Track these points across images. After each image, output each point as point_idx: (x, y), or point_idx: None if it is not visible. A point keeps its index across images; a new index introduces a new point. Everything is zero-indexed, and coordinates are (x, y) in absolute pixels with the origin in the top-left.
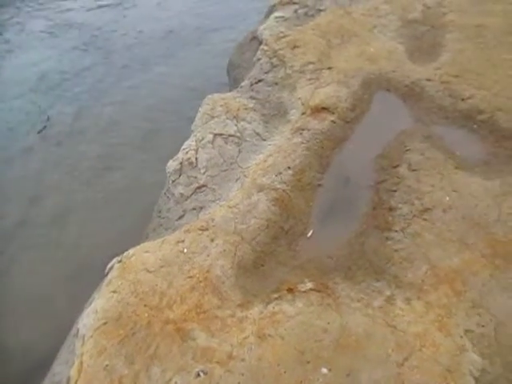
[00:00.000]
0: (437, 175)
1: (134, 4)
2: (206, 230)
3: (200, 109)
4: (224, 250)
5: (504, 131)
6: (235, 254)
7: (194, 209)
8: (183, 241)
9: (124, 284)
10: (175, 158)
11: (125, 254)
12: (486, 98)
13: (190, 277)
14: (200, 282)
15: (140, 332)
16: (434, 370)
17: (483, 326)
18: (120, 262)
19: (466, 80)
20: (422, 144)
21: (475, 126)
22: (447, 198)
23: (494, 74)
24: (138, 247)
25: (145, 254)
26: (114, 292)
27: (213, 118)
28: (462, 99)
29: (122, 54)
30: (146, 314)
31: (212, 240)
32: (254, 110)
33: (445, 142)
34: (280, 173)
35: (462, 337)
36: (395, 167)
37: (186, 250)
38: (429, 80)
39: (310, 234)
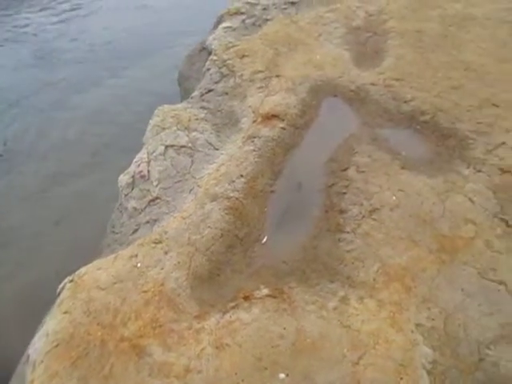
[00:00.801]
0: (384, 176)
1: (86, 17)
2: (160, 242)
3: (150, 121)
4: (178, 262)
5: (445, 130)
6: (190, 265)
7: (148, 222)
8: (136, 255)
9: (76, 304)
10: (126, 171)
11: (77, 272)
12: (428, 100)
13: (145, 291)
14: (155, 295)
15: (93, 352)
16: (387, 366)
17: (433, 319)
18: (72, 281)
19: (407, 83)
20: (368, 146)
21: (418, 127)
22: (394, 198)
23: (433, 77)
24: (91, 265)
25: (97, 272)
26: (66, 313)
27: (164, 129)
28: (405, 101)
29: (72, 68)
30: (100, 333)
31: (166, 252)
32: (206, 120)
33: (390, 143)
34: (233, 181)
35: (413, 331)
36: (344, 170)
37: (139, 265)
38: (373, 84)
39: (264, 241)
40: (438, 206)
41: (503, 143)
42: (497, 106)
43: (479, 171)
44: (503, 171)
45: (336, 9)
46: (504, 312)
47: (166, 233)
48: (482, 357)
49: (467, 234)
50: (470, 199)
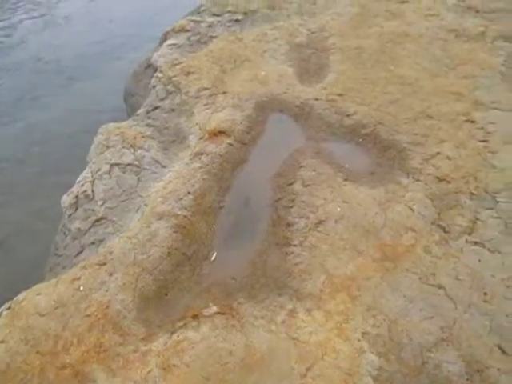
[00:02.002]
0: (328, 188)
1: (31, 31)
2: (104, 264)
3: (94, 139)
4: (124, 284)
5: (385, 142)
6: (136, 286)
7: (92, 243)
8: (79, 278)
9: (13, 332)
10: (70, 191)
11: (15, 298)
12: (368, 113)
13: (88, 315)
14: (99, 319)
15: (32, 382)
16: (334, 375)
17: (378, 326)
18: (9, 308)
19: (349, 98)
20: (313, 160)
21: (360, 140)
22: (338, 209)
23: (372, 91)
24: (30, 290)
25: (37, 297)
26: (2, 342)
27: (108, 147)
28: (347, 115)
29: (13, 83)
30: (39, 362)
31: (110, 274)
32: (152, 138)
33: (334, 156)
34: (180, 198)
35: (359, 340)
36: (290, 184)
37: (82, 288)
38: (317, 99)
39: (213, 258)
40: (379, 216)
41: (438, 153)
42: (431, 118)
43: (417, 180)
44: (439, 179)
45: (280, 26)
46: (443, 315)
47: (110, 253)
48: (425, 360)
49: (408, 241)
50: (410, 208)
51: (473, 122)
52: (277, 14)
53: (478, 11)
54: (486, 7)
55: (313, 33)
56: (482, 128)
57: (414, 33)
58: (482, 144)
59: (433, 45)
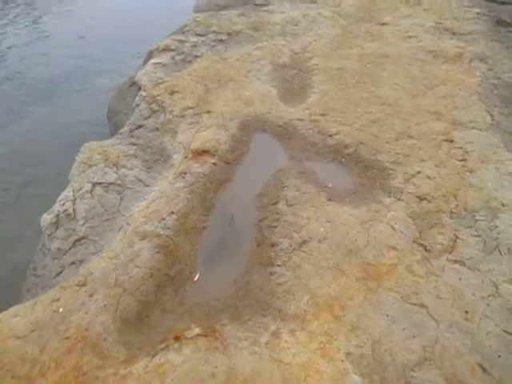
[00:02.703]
0: (311, 208)
1: (16, 46)
2: (84, 285)
3: (76, 158)
4: (104, 305)
5: (367, 162)
6: (117, 307)
7: (73, 263)
8: (58, 299)
9: None
10: (50, 210)
11: None
12: (350, 133)
13: (67, 338)
14: (78, 342)
15: None
16: None
17: (361, 346)
18: None
19: (332, 118)
20: (297, 180)
21: (343, 159)
22: (322, 229)
23: (354, 111)
24: (6, 312)
25: (13, 320)
26: None
27: (90, 166)
28: (330, 135)
29: None
30: None
31: (91, 295)
32: (135, 157)
33: (317, 176)
34: (163, 218)
35: (343, 360)
36: (274, 204)
37: (61, 310)
38: (300, 120)
39: (196, 278)
40: (362, 235)
41: (419, 172)
42: (412, 138)
43: (399, 199)
44: (420, 199)
45: (263, 47)
46: (426, 334)
47: (91, 274)
48: (408, 380)
49: (390, 260)
50: (392, 227)
51: (452, 141)
52: (260, 34)
53: (454, 33)
54: (463, 29)
55: (296, 53)
56: (461, 147)
57: (393, 54)
58: (460, 163)
59: (412, 65)
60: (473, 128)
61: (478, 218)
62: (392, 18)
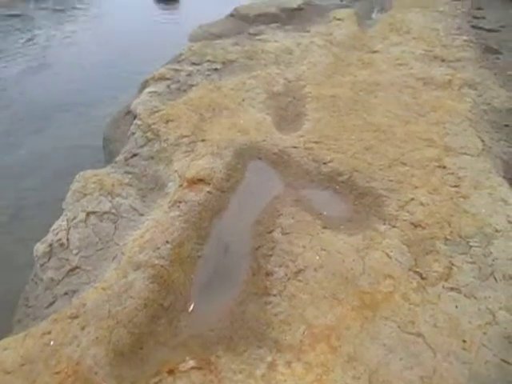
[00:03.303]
0: (307, 236)
1: (12, 74)
2: (77, 317)
3: (71, 186)
4: (97, 338)
5: (361, 189)
6: (110, 340)
7: (66, 294)
8: (50, 332)
9: None
10: (43, 239)
11: None
12: (344, 161)
13: (57, 372)
14: (69, 376)
15: None
16: None
17: (358, 378)
18: None
19: (325, 145)
20: (292, 208)
21: (337, 187)
22: (317, 257)
23: (348, 139)
24: None
25: (3, 353)
26: None
27: (85, 195)
28: (324, 163)
29: None
30: None
31: (83, 328)
32: (130, 185)
33: (312, 203)
34: (158, 248)
35: None
36: (270, 232)
37: (52, 343)
38: (294, 147)
39: (191, 309)
40: (358, 263)
41: (412, 199)
42: (405, 165)
43: (394, 227)
44: (415, 226)
45: (257, 75)
46: (423, 364)
47: (84, 306)
48: None
49: (386, 288)
50: (388, 254)
51: (444, 167)
52: (255, 63)
53: (443, 60)
54: (451, 56)
55: (290, 82)
56: (454, 173)
57: (385, 81)
58: (453, 189)
59: (403, 93)
60: (465, 154)
61: (472, 244)
62: (382, 46)
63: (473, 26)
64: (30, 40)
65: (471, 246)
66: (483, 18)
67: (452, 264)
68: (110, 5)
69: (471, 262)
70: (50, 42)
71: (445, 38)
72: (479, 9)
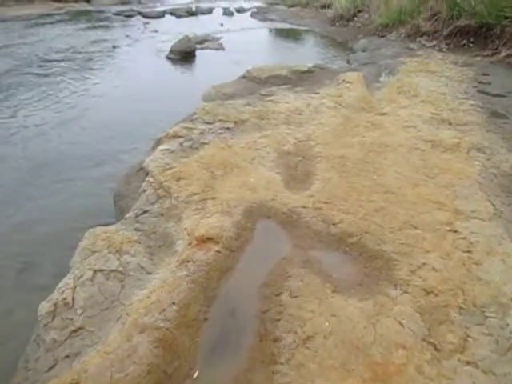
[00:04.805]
0: (316, 301)
1: (20, 131)
2: (78, 383)
3: (80, 243)
4: None
5: (372, 252)
6: None
7: (67, 356)
8: None
9: None
10: (49, 298)
11: None
12: (354, 222)
13: None
14: None
15: None
16: None
17: None
18: None
19: (335, 206)
20: (301, 270)
21: (347, 249)
22: (327, 324)
23: (357, 200)
24: None
25: None
26: None
27: (93, 252)
28: (334, 224)
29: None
30: None
31: None
32: (139, 243)
33: (322, 265)
34: (164, 309)
35: None
36: (278, 295)
37: None
38: (304, 207)
39: (195, 376)
40: (369, 331)
41: (424, 264)
42: (416, 228)
43: (405, 292)
44: (427, 292)
45: (268, 135)
46: None
47: (85, 371)
48: None
49: (399, 359)
50: (400, 322)
51: (455, 231)
52: (265, 123)
53: (451, 124)
54: (459, 120)
55: (300, 141)
56: (465, 238)
57: (394, 143)
58: (466, 255)
59: (412, 154)
60: (475, 218)
61: (487, 314)
62: (391, 109)
63: (479, 91)
64: (42, 93)
65: (487, 317)
66: (489, 83)
67: (467, 335)
68: (125, 62)
69: (488, 334)
70: (61, 97)
71: (452, 102)
72: (485, 74)
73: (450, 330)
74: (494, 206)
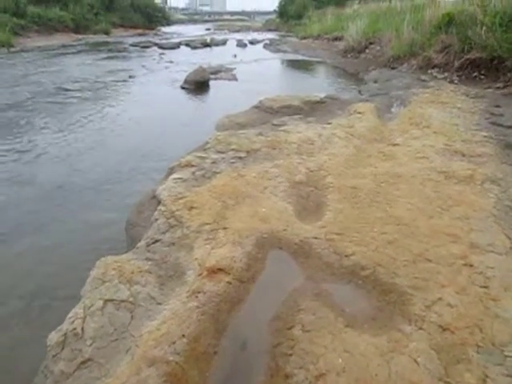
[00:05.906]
0: (328, 335)
1: (29, 159)
2: None
3: (91, 273)
4: None
5: (385, 285)
6: None
7: None
8: None
9: None
10: (59, 328)
11: None
12: (367, 254)
13: None
14: None
15: None
16: None
17: None
18: None
19: (347, 237)
20: (313, 302)
21: (360, 282)
22: (340, 360)
23: (370, 231)
24: None
25: None
26: None
27: (104, 282)
28: (346, 256)
29: (10, 212)
30: None
31: None
32: (150, 273)
33: (334, 298)
34: (173, 342)
35: None
36: (290, 329)
37: None
38: (316, 238)
39: None
40: (383, 368)
41: (439, 299)
42: (430, 261)
43: (420, 329)
44: (443, 329)
45: (280, 164)
46: None
47: None
48: None
49: None
50: (415, 360)
51: (471, 265)
52: (277, 152)
53: (464, 155)
54: (472, 151)
55: (311, 171)
56: (481, 273)
57: (406, 174)
58: (482, 290)
59: (425, 186)
60: (491, 252)
61: (507, 353)
62: (403, 139)
63: (491, 123)
64: (55, 120)
65: (506, 356)
66: (501, 115)
67: (486, 375)
68: (140, 92)
69: (508, 375)
70: (75, 126)
71: (464, 133)
72: (497, 106)
73: (468, 370)
74: (510, 239)
